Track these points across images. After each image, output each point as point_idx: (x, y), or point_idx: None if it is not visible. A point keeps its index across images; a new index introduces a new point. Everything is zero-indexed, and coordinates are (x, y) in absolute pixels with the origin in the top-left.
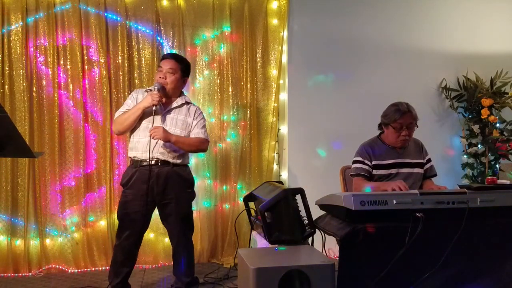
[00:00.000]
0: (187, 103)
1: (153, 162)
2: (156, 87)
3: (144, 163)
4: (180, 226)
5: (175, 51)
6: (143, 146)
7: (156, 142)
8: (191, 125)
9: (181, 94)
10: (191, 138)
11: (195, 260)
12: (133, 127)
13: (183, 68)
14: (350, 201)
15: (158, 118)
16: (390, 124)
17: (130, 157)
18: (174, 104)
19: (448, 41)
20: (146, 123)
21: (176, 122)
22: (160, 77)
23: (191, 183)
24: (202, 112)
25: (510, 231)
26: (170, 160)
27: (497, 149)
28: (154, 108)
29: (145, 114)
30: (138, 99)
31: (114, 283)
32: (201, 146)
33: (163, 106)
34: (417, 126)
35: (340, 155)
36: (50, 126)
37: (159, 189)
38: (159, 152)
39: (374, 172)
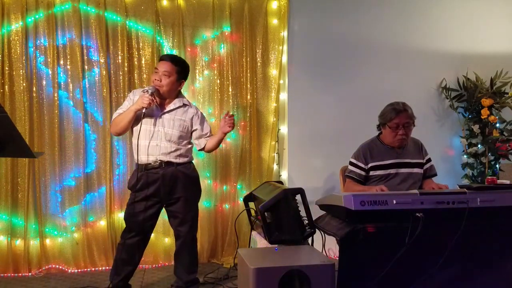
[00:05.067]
0: (185, 105)
1: (157, 164)
2: (150, 90)
3: (148, 166)
4: (189, 225)
5: (175, 51)
6: (144, 149)
7: (157, 145)
8: (188, 128)
9: (179, 95)
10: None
11: None
12: (133, 130)
13: (180, 70)
14: (350, 201)
15: (157, 120)
16: (386, 123)
17: (136, 162)
18: (172, 106)
19: (448, 41)
20: (145, 126)
21: (174, 123)
22: (155, 79)
23: (197, 179)
24: (201, 111)
25: (510, 231)
26: (173, 160)
27: (497, 149)
28: (143, 110)
29: (145, 117)
30: (134, 100)
31: (116, 281)
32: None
33: (160, 108)
34: (414, 125)
35: (340, 155)
36: (50, 126)
37: (166, 190)
38: (161, 153)
39: (372, 172)
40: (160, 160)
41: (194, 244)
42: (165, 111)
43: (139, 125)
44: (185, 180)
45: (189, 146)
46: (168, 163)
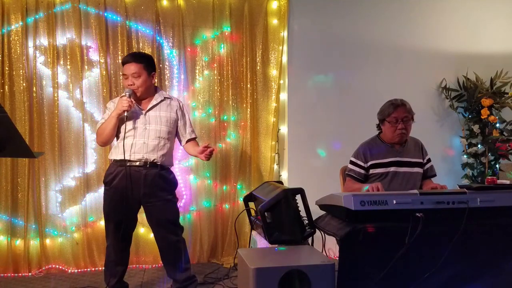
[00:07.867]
0: (166, 98)
1: (141, 163)
2: (127, 93)
3: (132, 163)
4: (169, 228)
5: (175, 51)
6: (129, 147)
7: (144, 142)
8: (175, 122)
9: (157, 89)
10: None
11: (195, 260)
12: (117, 133)
13: (146, 65)
14: (350, 201)
15: (141, 118)
16: (385, 119)
17: (113, 159)
18: (154, 102)
19: (448, 41)
20: (131, 126)
21: (160, 120)
22: (128, 84)
23: (176, 186)
24: (184, 104)
25: (510, 231)
26: (159, 160)
27: (497, 149)
28: (125, 114)
29: (129, 119)
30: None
31: (112, 283)
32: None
33: (142, 107)
34: (413, 121)
35: (340, 155)
36: (50, 126)
37: (146, 191)
38: (148, 151)
39: (372, 171)
40: (146, 159)
41: (179, 243)
42: (148, 108)
43: (123, 125)
44: (166, 185)
45: (172, 145)
46: (153, 164)
